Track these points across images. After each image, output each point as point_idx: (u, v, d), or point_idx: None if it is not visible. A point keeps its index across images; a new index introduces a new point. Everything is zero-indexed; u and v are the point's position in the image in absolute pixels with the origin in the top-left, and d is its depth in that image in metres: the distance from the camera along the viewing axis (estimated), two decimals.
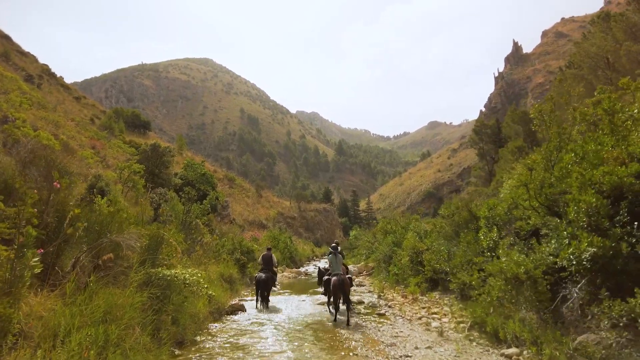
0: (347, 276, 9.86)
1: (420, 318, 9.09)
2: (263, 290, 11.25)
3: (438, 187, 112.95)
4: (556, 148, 6.71)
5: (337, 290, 9.29)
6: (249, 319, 9.72)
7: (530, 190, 6.54)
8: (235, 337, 7.69)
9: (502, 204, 8.40)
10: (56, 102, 40.29)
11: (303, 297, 13.59)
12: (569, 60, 30.72)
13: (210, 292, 7.41)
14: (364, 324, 9.02)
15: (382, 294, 12.95)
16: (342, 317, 9.43)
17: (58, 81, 49.18)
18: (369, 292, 14.40)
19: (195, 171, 17.95)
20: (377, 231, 20.30)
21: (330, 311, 10.26)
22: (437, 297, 10.68)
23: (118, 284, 6.15)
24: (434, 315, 9.15)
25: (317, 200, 75.24)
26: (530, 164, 6.52)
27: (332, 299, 9.96)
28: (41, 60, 50.15)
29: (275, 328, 8.64)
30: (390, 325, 8.75)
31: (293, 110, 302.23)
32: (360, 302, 12.00)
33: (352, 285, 11.06)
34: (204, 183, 18.43)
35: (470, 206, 10.40)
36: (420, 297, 11.17)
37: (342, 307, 9.54)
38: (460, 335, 7.46)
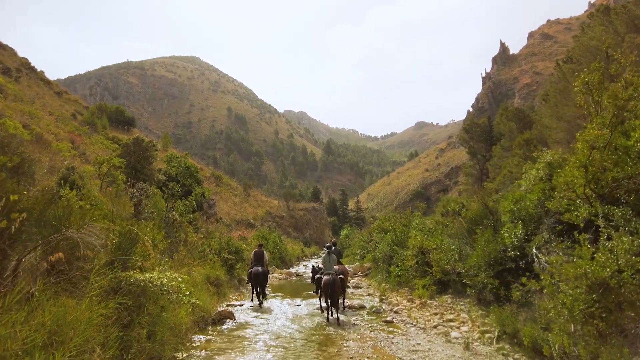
0: (339, 276, 9.78)
1: (435, 326, 7.98)
2: (260, 285, 11.26)
3: (426, 186, 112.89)
4: (612, 125, 5.64)
5: (327, 289, 9.23)
6: (240, 329, 8.50)
7: (589, 174, 5.45)
8: (224, 353, 6.49)
9: (532, 195, 7.35)
10: (35, 95, 38.38)
11: (297, 301, 12.40)
12: (566, 55, 30.10)
13: (194, 300, 6.19)
14: (372, 334, 7.87)
15: (384, 298, 11.83)
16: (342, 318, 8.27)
17: (38, 76, 47.06)
18: (369, 295, 13.26)
19: (179, 165, 16.57)
20: (373, 230, 19.20)
21: (322, 309, 10.27)
22: (449, 302, 9.60)
23: (76, 293, 4.89)
24: (451, 324, 8.05)
25: (306, 200, 74.05)
26: (593, 139, 5.41)
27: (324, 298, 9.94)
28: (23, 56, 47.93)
29: (270, 339, 7.46)
30: (403, 335, 7.61)
31: (281, 110, 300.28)
32: (362, 307, 10.85)
33: (347, 286, 10.88)
34: (188, 178, 17.08)
35: (485, 200, 9.35)
36: (429, 301, 10.07)
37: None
38: (490, 348, 6.38)
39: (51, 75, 53.51)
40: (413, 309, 9.85)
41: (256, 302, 11.38)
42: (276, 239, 27.53)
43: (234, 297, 13.13)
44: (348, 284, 16.13)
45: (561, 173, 6.18)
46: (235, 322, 9.16)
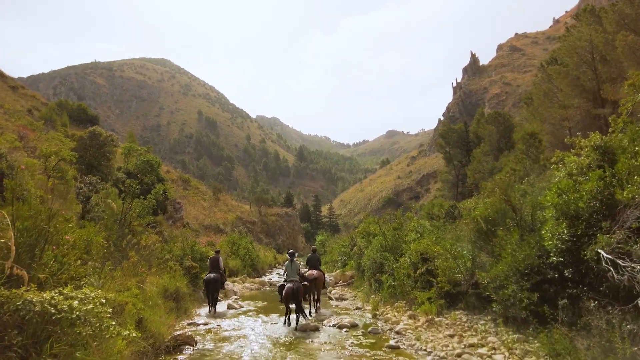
0: (302, 284, 9.78)
1: (460, 355, 6.19)
2: (213, 292, 11.23)
3: (398, 193, 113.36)
4: None
5: (289, 298, 9.25)
6: None
7: None
8: None
9: (588, 184, 5.74)
10: None
11: (274, 317, 10.36)
12: (550, 56, 29.60)
13: (126, 332, 4.15)
14: None
15: (377, 313, 9.99)
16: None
17: None
18: (357, 309, 11.36)
19: (137, 158, 14.23)
20: (357, 234, 17.40)
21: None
22: (463, 320, 7.85)
23: None
24: (479, 351, 6.23)
25: (279, 205, 71.80)
26: None
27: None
28: None
29: None
30: None
31: (253, 115, 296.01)
32: (354, 326, 8.94)
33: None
34: (148, 174, 14.77)
35: (508, 194, 7.69)
36: (436, 318, 8.30)
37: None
38: None
39: (12, 74, 49.25)
40: (419, 328, 8.04)
41: (211, 310, 11.20)
42: (248, 245, 25.31)
43: (198, 313, 10.97)
44: (330, 294, 14.27)
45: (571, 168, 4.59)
46: (197, 349, 7.08)
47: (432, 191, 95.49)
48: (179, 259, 12.85)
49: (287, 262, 10.24)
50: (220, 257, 12.39)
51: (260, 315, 10.66)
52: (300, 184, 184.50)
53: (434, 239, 9.60)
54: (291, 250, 11.14)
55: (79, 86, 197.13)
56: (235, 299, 13.39)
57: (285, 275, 10.06)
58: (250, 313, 10.99)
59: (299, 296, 9.16)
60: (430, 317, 8.31)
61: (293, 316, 9.23)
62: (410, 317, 8.89)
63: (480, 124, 39.56)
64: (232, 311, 11.36)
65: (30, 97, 45.31)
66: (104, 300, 3.88)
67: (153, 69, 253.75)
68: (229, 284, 15.29)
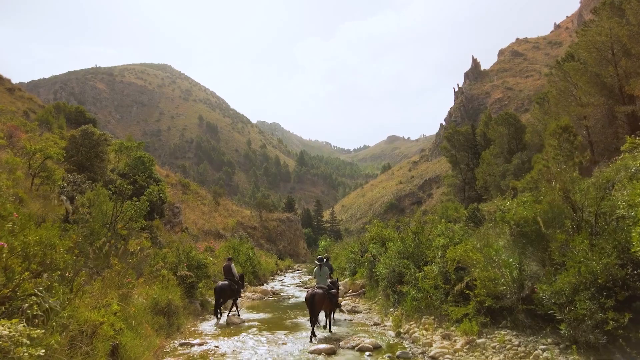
0: (320, 292, 9.05)
1: None
2: (220, 298, 11.08)
3: (400, 198, 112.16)
4: None
5: (308, 304, 8.92)
6: None
7: None
8: None
9: None
10: None
11: (280, 335, 8.96)
12: (566, 53, 28.37)
13: None
14: None
15: (401, 331, 8.58)
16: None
17: None
18: (375, 324, 9.93)
19: (129, 155, 12.86)
20: (368, 240, 16.01)
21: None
22: (514, 343, 6.42)
23: None
24: None
25: (280, 210, 70.40)
26: None
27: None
28: None
29: None
30: None
31: (254, 120, 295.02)
32: (377, 348, 7.53)
33: (336, 304, 10.14)
34: (140, 172, 13.41)
35: (568, 191, 6.33)
36: (477, 339, 6.90)
37: None
38: None
39: (11, 79, 48.13)
40: (458, 352, 6.64)
41: (222, 319, 10.98)
42: (248, 251, 23.91)
43: (195, 330, 9.56)
44: (342, 308, 12.90)
45: None
46: None
47: (434, 196, 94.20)
48: (173, 267, 11.48)
49: (315, 267, 10.06)
50: (233, 264, 12.27)
51: (264, 332, 9.22)
52: (301, 189, 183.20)
53: (474, 244, 8.14)
54: (320, 256, 11.12)
55: (80, 91, 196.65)
56: (234, 312, 12.02)
57: (315, 281, 9.82)
58: (253, 330, 9.56)
59: (315, 304, 8.69)
60: (470, 337, 6.92)
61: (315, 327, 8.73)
62: (443, 337, 7.48)
63: (491, 125, 38.32)
64: (232, 327, 9.96)
65: (27, 100, 44.19)
66: (27, 341, 2.52)
67: (154, 74, 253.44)
68: (240, 294, 13.94)
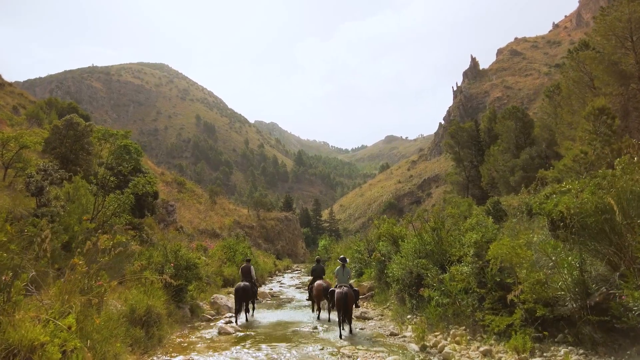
0: (350, 291, 9.35)
1: None
2: (241, 300, 10.83)
3: (399, 198, 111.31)
4: None
5: (340, 303, 8.94)
6: None
7: None
8: None
9: None
10: None
11: (282, 350, 7.61)
12: (579, 41, 27.17)
13: None
14: None
15: (426, 344, 7.21)
16: None
17: None
18: (392, 334, 8.59)
19: (113, 144, 11.50)
20: (376, 237, 14.68)
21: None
22: None
23: None
24: None
25: (277, 209, 69.01)
26: None
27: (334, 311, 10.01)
28: None
29: None
30: None
31: (252, 120, 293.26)
32: None
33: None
34: (124, 162, 12.05)
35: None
36: (529, 358, 5.57)
37: None
38: None
39: (8, 78, 46.69)
40: None
41: (238, 321, 10.68)
42: (245, 250, 22.54)
43: (179, 340, 8.19)
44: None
45: None
46: None
47: (434, 195, 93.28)
48: (159, 268, 10.11)
49: (338, 267, 10.31)
50: (252, 266, 12.29)
51: (262, 345, 7.83)
52: (299, 189, 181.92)
53: (521, 241, 6.74)
54: (342, 256, 11.53)
55: (76, 90, 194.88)
56: (229, 319, 10.69)
57: (337, 280, 10.02)
58: (248, 342, 8.17)
59: (348, 303, 8.94)
60: (523, 355, 5.57)
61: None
62: (484, 354, 6.12)
63: (497, 119, 37.02)
64: (223, 337, 8.56)
65: (18, 95, 42.84)
66: None
67: (151, 74, 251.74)
68: (256, 296, 13.19)
